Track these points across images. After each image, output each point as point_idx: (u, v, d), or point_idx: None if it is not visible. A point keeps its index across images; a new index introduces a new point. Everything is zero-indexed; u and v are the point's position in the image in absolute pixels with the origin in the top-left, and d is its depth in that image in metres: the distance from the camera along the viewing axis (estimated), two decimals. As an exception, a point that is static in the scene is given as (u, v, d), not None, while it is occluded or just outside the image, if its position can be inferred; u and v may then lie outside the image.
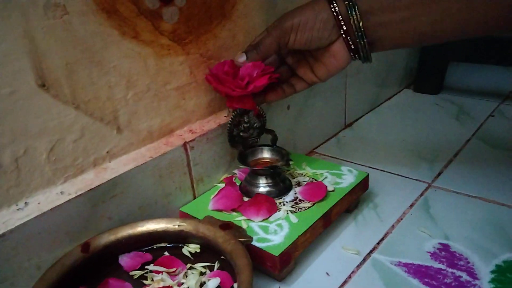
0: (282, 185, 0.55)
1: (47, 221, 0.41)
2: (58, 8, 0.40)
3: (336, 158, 0.74)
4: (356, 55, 0.51)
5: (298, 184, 0.57)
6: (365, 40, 0.49)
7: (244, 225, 0.50)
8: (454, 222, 0.55)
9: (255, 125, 0.59)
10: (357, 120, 0.89)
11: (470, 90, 1.00)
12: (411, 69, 1.05)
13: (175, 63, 0.52)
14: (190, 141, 0.54)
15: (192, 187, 0.56)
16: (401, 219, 0.57)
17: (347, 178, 0.57)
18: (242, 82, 0.52)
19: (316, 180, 0.57)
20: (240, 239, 0.43)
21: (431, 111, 0.91)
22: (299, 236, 0.47)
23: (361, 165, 0.71)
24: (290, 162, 0.62)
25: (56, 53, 0.41)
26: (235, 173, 0.60)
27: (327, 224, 0.52)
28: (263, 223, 0.50)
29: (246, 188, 0.56)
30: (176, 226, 0.46)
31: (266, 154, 0.58)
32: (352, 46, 0.50)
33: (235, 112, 0.56)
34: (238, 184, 0.58)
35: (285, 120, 0.69)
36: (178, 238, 0.47)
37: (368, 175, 0.58)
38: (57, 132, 0.42)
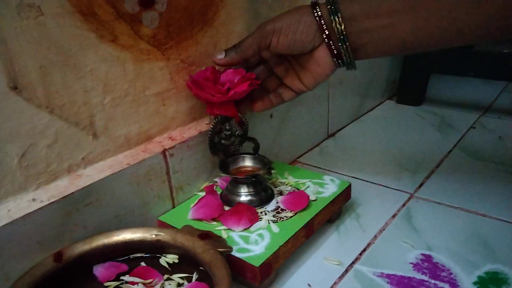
0: (264, 194, 0.54)
1: (17, 229, 0.39)
2: (32, 9, 0.39)
3: (318, 167, 0.74)
4: (340, 61, 0.51)
5: (280, 193, 0.56)
6: (347, 44, 0.49)
7: (224, 235, 0.48)
8: (436, 233, 0.55)
9: (237, 133, 0.58)
10: (340, 130, 0.89)
11: (451, 102, 1.01)
12: (394, 80, 1.06)
13: (155, 68, 0.51)
14: (170, 148, 0.52)
15: (172, 195, 0.55)
16: (384, 229, 0.56)
17: (330, 188, 0.57)
18: (223, 87, 0.51)
19: (298, 189, 0.56)
20: (219, 249, 0.42)
21: (413, 122, 0.92)
22: (280, 246, 0.46)
23: (344, 175, 0.70)
24: (272, 171, 0.61)
25: (29, 55, 0.39)
26: (216, 182, 0.59)
27: (309, 234, 0.51)
28: (244, 233, 0.49)
29: (227, 197, 0.54)
30: (154, 236, 0.45)
31: (247, 163, 0.57)
32: (335, 51, 0.50)
33: (217, 119, 0.55)
34: (219, 192, 0.57)
35: (268, 129, 0.69)
36: (155, 248, 0.45)
37: (350, 184, 0.58)
38: (30, 136, 0.41)
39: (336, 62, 0.51)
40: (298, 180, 0.59)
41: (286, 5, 0.67)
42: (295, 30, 0.49)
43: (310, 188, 0.56)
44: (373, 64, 0.95)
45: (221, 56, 0.52)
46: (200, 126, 0.57)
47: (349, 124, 0.91)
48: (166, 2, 0.49)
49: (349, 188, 0.58)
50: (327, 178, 0.59)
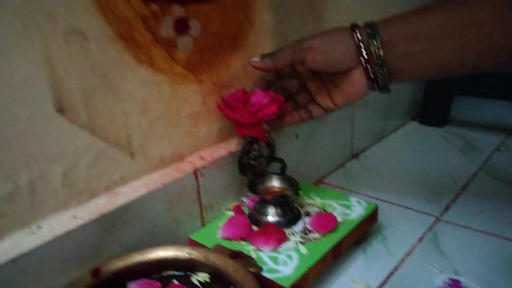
0: (291, 215, 0.55)
1: (59, 246, 0.41)
2: (78, 35, 0.41)
3: (343, 188, 0.74)
4: (375, 85, 0.51)
5: (307, 214, 0.56)
6: (384, 70, 0.49)
7: (253, 255, 0.49)
8: (464, 257, 0.54)
9: (264, 153, 0.59)
10: (363, 151, 0.89)
11: (476, 124, 1.01)
12: (417, 101, 1.06)
13: (188, 91, 0.53)
14: (201, 168, 0.54)
15: (201, 214, 0.56)
16: (411, 253, 0.56)
17: (356, 210, 0.57)
18: (252, 108, 0.53)
19: (325, 210, 0.57)
20: (250, 269, 0.43)
21: (437, 144, 0.91)
22: (309, 267, 0.47)
23: (369, 196, 0.71)
24: (299, 192, 0.62)
25: (74, 78, 0.41)
26: (244, 201, 0.60)
27: (336, 256, 0.52)
28: (272, 253, 0.49)
29: (255, 217, 0.55)
30: (186, 254, 0.46)
31: (275, 183, 0.58)
32: (372, 75, 0.50)
33: (246, 141, 0.56)
34: (246, 212, 0.58)
35: (293, 149, 0.70)
36: (187, 266, 0.46)
37: (377, 207, 0.58)
38: (73, 156, 0.43)
39: (371, 85, 0.52)
40: (324, 201, 0.59)
41: (311, 29, 0.69)
42: (333, 50, 0.50)
43: (337, 210, 0.57)
44: (396, 84, 0.95)
45: (256, 59, 0.54)
46: (229, 147, 0.59)
47: (373, 144, 0.92)
48: (200, 28, 0.51)
49: (376, 210, 0.58)
50: (353, 200, 0.59)
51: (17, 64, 0.37)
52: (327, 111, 0.57)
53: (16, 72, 0.37)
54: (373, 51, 0.49)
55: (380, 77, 0.50)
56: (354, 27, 0.50)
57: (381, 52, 0.48)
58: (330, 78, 0.54)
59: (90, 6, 0.41)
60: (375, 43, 0.48)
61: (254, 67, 0.54)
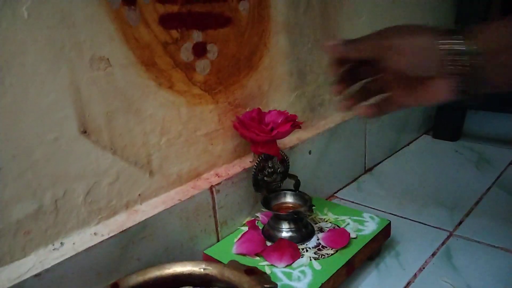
0: (304, 231, 0.56)
1: (80, 261, 0.43)
2: (102, 61, 0.43)
3: (356, 203, 0.75)
4: (461, 95, 0.44)
5: (321, 230, 0.58)
6: (476, 81, 0.43)
7: (267, 270, 0.50)
8: (477, 273, 0.55)
9: (278, 170, 0.61)
10: (377, 165, 0.90)
11: (489, 138, 1.01)
12: (430, 115, 1.07)
13: (205, 111, 0.55)
14: (216, 184, 0.56)
15: (216, 229, 0.57)
16: (423, 268, 0.57)
17: (369, 225, 0.58)
18: (267, 127, 0.55)
19: (338, 226, 0.58)
20: (265, 286, 0.44)
21: (451, 158, 0.92)
22: (322, 283, 0.48)
23: (382, 211, 0.71)
24: (313, 208, 0.63)
25: (98, 102, 0.44)
26: (258, 217, 0.61)
27: (349, 272, 0.53)
28: (286, 269, 0.50)
29: (269, 232, 0.57)
30: (202, 270, 0.47)
31: (289, 199, 0.60)
32: (459, 86, 0.44)
33: (260, 158, 0.58)
34: (260, 227, 0.59)
35: (307, 165, 0.71)
36: (203, 282, 0.48)
37: (390, 222, 0.59)
38: (95, 175, 0.45)
39: (457, 95, 0.44)
40: (337, 217, 0.61)
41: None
42: (417, 55, 0.44)
43: (350, 226, 0.58)
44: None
45: (333, 43, 0.47)
46: (244, 163, 0.60)
47: (386, 159, 0.93)
48: (217, 51, 0.54)
49: (388, 226, 0.59)
50: (366, 216, 0.60)
51: (46, 90, 0.40)
52: (400, 107, 0.49)
53: (45, 97, 0.40)
54: (465, 63, 0.42)
55: (469, 89, 0.44)
56: (439, 32, 0.43)
57: (471, 63, 0.42)
58: (408, 76, 0.46)
59: (114, 34, 0.43)
60: (469, 54, 0.42)
61: (326, 50, 0.48)
